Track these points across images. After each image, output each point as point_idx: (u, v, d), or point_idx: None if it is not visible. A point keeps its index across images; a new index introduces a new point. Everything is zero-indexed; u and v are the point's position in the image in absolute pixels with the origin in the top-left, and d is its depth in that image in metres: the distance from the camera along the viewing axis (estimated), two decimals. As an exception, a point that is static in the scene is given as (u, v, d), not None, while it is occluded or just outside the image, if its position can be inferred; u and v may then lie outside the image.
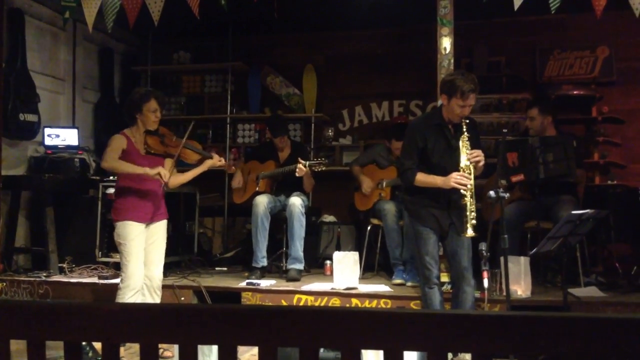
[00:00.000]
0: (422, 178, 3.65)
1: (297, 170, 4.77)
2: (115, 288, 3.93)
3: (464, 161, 3.54)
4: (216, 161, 4.09)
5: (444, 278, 4.18)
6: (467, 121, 3.59)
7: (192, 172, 4.10)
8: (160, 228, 4.01)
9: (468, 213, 3.48)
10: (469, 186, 3.49)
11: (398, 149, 5.21)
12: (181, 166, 4.26)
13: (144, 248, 3.91)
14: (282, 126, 5.38)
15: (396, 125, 5.82)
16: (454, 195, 3.60)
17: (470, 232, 3.49)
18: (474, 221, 3.47)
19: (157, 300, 3.98)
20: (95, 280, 4.96)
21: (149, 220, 3.93)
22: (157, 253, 3.98)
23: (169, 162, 4.01)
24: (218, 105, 7.07)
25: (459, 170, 3.53)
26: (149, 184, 3.89)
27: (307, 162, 4.83)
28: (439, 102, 3.76)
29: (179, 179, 4.09)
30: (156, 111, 3.89)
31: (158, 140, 3.95)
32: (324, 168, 4.82)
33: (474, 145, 3.59)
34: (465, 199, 3.49)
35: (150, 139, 3.93)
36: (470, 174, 3.51)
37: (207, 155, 4.13)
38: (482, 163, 3.57)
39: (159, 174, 3.76)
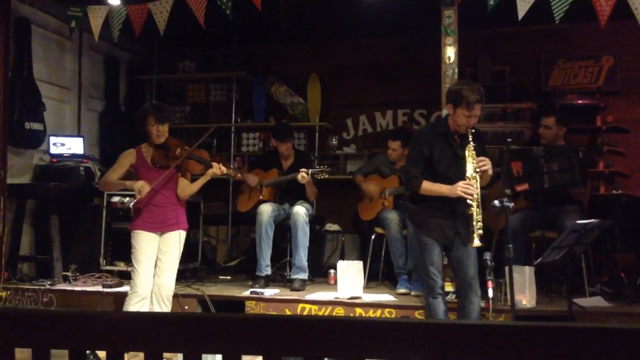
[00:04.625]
0: (428, 186, 3.64)
1: (300, 177, 4.82)
2: (119, 296, 3.95)
3: (470, 171, 3.52)
4: (216, 170, 4.12)
5: (449, 288, 4.17)
6: (473, 131, 3.59)
7: (198, 183, 4.17)
8: (173, 238, 4.05)
9: (474, 223, 3.46)
10: (475, 196, 3.48)
11: (391, 149, 5.22)
12: (195, 176, 4.30)
13: (156, 257, 3.97)
14: (288, 132, 5.39)
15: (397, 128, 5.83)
16: (459, 205, 3.59)
17: (477, 242, 3.47)
18: (480, 231, 3.46)
19: (166, 310, 3.98)
20: (99, 288, 4.95)
21: (159, 230, 4.00)
22: (168, 263, 4.01)
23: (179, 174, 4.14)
24: (223, 114, 7.09)
25: (465, 180, 3.53)
26: (156, 196, 3.98)
27: (310, 170, 4.85)
28: (444, 112, 3.76)
29: (187, 190, 4.16)
30: (155, 126, 3.97)
31: (162, 153, 4.05)
32: (326, 175, 4.84)
33: (480, 154, 3.58)
34: (472, 208, 3.48)
35: (156, 152, 4.04)
36: (476, 183, 3.51)
37: (209, 165, 4.17)
38: (489, 171, 3.56)
39: (138, 189, 3.84)
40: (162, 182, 3.97)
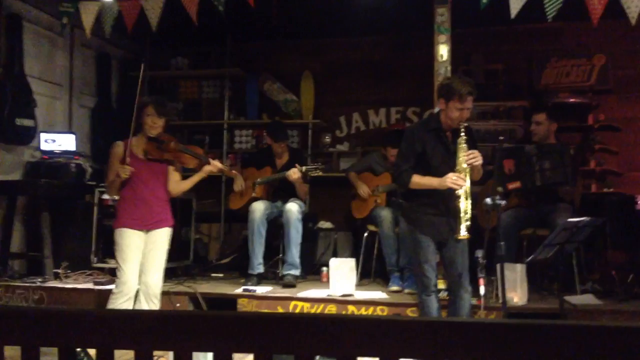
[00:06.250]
0: (418, 180, 3.65)
1: (290, 173, 4.80)
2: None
3: (460, 164, 3.54)
4: (213, 168, 4.06)
5: (440, 285, 4.18)
6: (466, 124, 3.60)
7: (192, 179, 4.09)
8: (160, 235, 3.96)
9: (462, 214, 3.47)
10: (464, 187, 3.49)
11: (394, 155, 5.22)
12: (186, 172, 4.22)
13: (143, 255, 3.89)
14: (283, 132, 5.38)
15: (392, 132, 5.85)
16: (452, 202, 3.59)
17: (463, 233, 3.48)
18: (468, 223, 3.47)
19: (154, 308, 3.94)
20: (90, 286, 4.94)
21: (145, 228, 3.91)
22: (155, 260, 3.93)
23: (171, 168, 4.07)
24: (215, 111, 7.07)
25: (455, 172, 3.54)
26: (143, 191, 3.90)
27: (304, 167, 4.84)
28: (436, 109, 3.77)
29: (180, 187, 4.09)
30: (152, 116, 3.92)
31: (155, 146, 3.97)
32: (320, 173, 4.83)
33: (471, 148, 3.59)
34: (460, 200, 3.49)
35: (149, 145, 3.96)
36: (466, 176, 3.52)
37: (205, 161, 4.11)
38: (479, 163, 3.56)
39: (122, 169, 3.78)
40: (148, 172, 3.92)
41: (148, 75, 7.09)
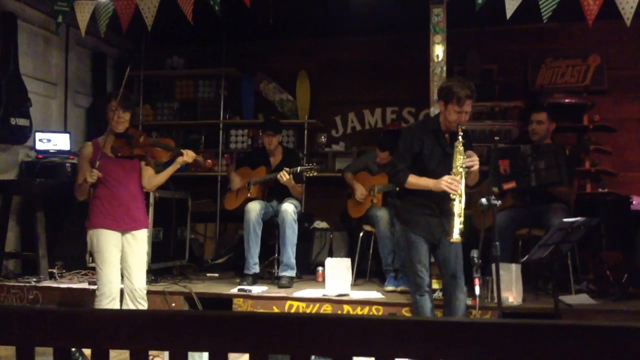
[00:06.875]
0: (414, 180, 3.65)
1: (279, 177, 4.80)
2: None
3: (457, 167, 3.55)
4: (187, 158, 3.94)
5: (435, 285, 4.19)
6: (464, 127, 3.60)
7: (166, 172, 3.97)
8: (138, 238, 3.86)
9: (456, 217, 3.48)
10: (458, 191, 3.50)
11: (382, 158, 5.23)
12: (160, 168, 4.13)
13: (123, 257, 3.80)
14: (272, 125, 5.36)
15: (384, 134, 5.85)
16: (446, 203, 3.60)
17: (456, 236, 3.48)
18: (461, 226, 3.47)
19: (142, 309, 3.86)
20: (85, 285, 4.92)
21: (122, 229, 3.81)
22: (138, 265, 3.84)
23: (143, 164, 3.95)
24: (211, 110, 7.06)
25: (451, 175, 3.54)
26: (118, 189, 3.81)
27: (299, 168, 4.84)
28: (432, 110, 3.77)
29: (154, 181, 3.97)
30: (116, 111, 3.77)
31: (125, 142, 3.84)
32: (315, 173, 4.83)
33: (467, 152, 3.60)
34: (454, 202, 3.49)
35: (117, 141, 3.84)
36: (461, 178, 3.52)
37: (178, 152, 3.97)
38: (476, 166, 3.57)
39: (89, 174, 3.66)
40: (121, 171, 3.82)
41: (142, 75, 7.09)
